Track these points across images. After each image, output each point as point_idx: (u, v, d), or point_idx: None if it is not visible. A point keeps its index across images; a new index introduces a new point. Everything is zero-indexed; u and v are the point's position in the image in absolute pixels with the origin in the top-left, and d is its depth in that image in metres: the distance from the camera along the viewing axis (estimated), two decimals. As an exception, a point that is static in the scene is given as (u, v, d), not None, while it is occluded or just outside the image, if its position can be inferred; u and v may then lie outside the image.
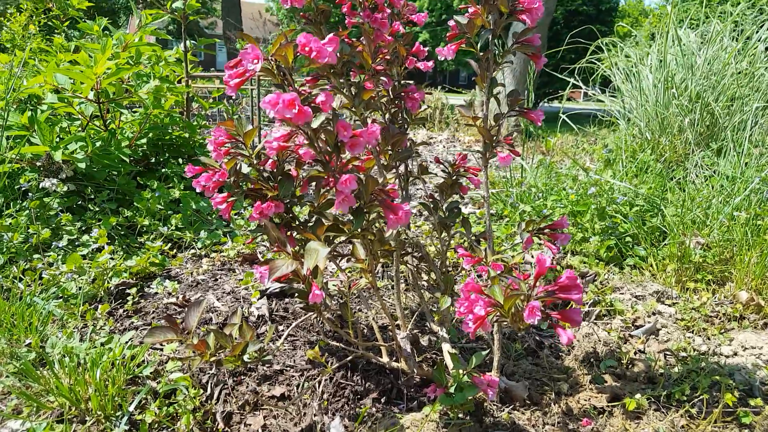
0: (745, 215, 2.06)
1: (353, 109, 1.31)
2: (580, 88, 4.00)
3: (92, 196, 2.37)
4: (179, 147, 3.02)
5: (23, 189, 2.25)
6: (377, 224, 1.16)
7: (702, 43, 3.07)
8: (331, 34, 0.97)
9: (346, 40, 1.46)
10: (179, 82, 3.24)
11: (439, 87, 8.90)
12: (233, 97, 7.10)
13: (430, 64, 1.69)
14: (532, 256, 2.14)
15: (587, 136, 5.22)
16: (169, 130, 2.97)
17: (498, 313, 0.88)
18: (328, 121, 1.00)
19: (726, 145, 2.54)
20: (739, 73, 2.79)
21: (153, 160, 2.92)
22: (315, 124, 0.94)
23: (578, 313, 0.84)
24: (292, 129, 1.03)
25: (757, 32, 2.95)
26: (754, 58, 2.80)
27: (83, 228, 2.16)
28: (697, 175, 2.51)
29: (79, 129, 2.75)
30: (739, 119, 2.65)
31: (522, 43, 1.26)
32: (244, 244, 2.26)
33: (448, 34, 1.29)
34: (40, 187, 2.22)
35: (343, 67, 1.31)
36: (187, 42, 3.32)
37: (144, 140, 2.83)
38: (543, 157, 2.97)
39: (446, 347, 1.32)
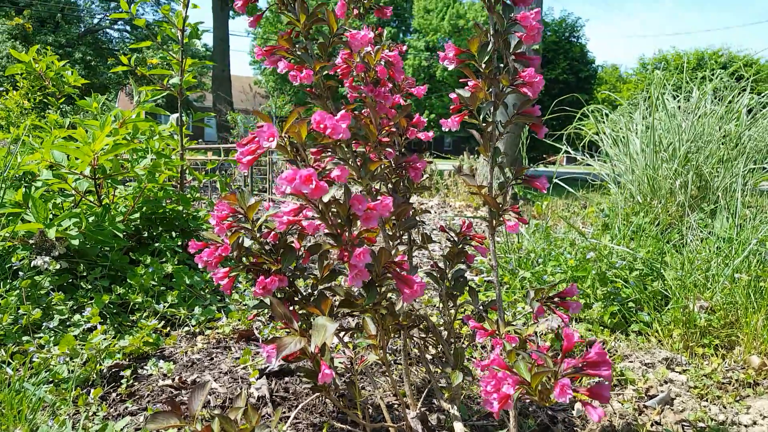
0: (746, 277, 2.06)
1: (359, 179, 1.31)
2: (568, 152, 4.10)
3: (84, 273, 2.32)
4: (172, 220, 3.00)
5: (15, 268, 2.19)
6: (388, 298, 1.13)
7: (685, 108, 3.18)
8: (343, 111, 0.98)
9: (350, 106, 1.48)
10: (173, 155, 3.27)
11: (427, 153, 9.08)
12: (226, 169, 7.18)
13: (431, 134, 1.72)
14: (537, 325, 2.10)
15: (578, 199, 5.29)
16: (163, 204, 2.96)
17: (523, 391, 0.84)
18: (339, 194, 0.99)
19: (718, 206, 2.58)
20: (725, 136, 2.88)
21: (146, 235, 2.89)
22: (327, 198, 0.94)
23: (607, 388, 0.81)
24: (302, 203, 1.02)
25: (740, 95, 3.07)
26: (738, 121, 2.90)
27: (75, 307, 2.10)
28: (692, 238, 2.53)
29: (73, 205, 2.73)
30: (729, 181, 2.70)
31: (523, 114, 1.29)
32: (240, 320, 2.20)
33: (451, 107, 1.31)
34: (32, 265, 2.17)
35: (350, 139, 1.33)
36: (183, 116, 3.37)
37: (137, 214, 2.81)
38: (538, 222, 2.98)
39: (458, 427, 1.25)
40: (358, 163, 1.34)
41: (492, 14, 1.23)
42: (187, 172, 3.35)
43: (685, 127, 2.87)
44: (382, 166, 1.47)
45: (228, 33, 17.91)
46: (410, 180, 1.52)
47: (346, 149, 1.32)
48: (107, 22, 29.93)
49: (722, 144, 2.83)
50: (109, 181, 2.66)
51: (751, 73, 3.41)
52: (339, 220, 1.00)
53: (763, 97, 3.26)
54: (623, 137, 3.23)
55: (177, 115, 3.34)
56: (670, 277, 2.21)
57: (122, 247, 2.65)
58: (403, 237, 1.50)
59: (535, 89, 1.20)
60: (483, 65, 1.25)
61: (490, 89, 1.26)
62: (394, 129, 1.41)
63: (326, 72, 1.31)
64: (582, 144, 3.70)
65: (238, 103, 18.75)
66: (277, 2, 1.30)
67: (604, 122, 3.51)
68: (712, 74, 3.49)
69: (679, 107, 3.19)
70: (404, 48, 1.73)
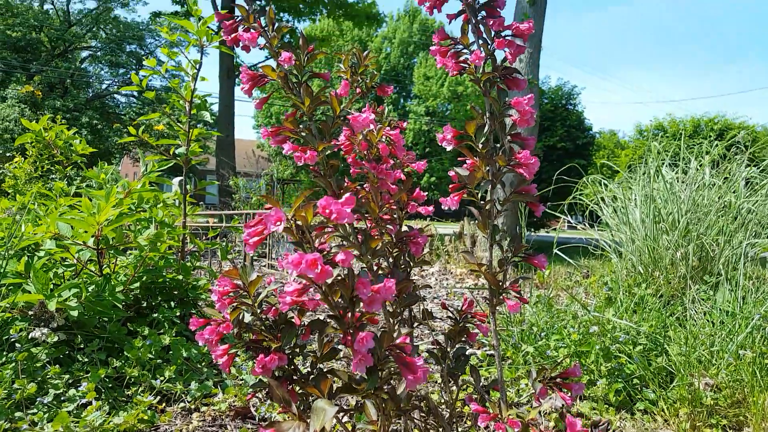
0: (751, 354, 2.03)
1: (361, 257, 1.33)
2: (568, 221, 4.13)
3: (81, 345, 2.29)
4: (172, 289, 2.99)
5: (12, 340, 2.17)
6: (389, 382, 1.12)
7: (683, 179, 3.24)
8: (348, 194, 1.00)
9: (353, 185, 1.52)
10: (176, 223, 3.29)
11: (427, 219, 9.13)
12: (226, 235, 7.21)
13: (431, 208, 1.75)
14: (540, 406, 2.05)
15: (579, 267, 5.28)
16: (163, 273, 2.96)
17: (527, 483, 0.81)
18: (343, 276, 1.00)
19: (721, 278, 2.57)
20: (725, 207, 2.92)
21: (144, 304, 2.87)
22: (330, 280, 0.94)
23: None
24: (305, 283, 1.02)
25: (738, 166, 3.13)
26: (737, 193, 2.94)
27: (71, 381, 2.06)
28: (695, 311, 2.51)
29: (74, 274, 2.73)
30: (730, 252, 2.71)
31: (520, 193, 1.32)
32: (236, 396, 2.15)
33: (450, 186, 1.34)
34: (30, 337, 2.15)
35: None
36: (187, 185, 3.42)
37: (137, 284, 2.81)
38: (540, 293, 2.97)
39: None
40: (360, 240, 1.35)
41: (487, 98, 1.28)
42: (188, 240, 3.37)
43: (684, 198, 2.92)
44: (384, 242, 1.49)
45: (233, 99, 18.45)
46: (411, 254, 1.53)
47: (347, 226, 1.34)
48: (115, 87, 30.95)
49: (722, 215, 2.86)
50: (112, 251, 2.67)
51: (748, 141, 3.50)
52: (342, 302, 1.01)
53: (760, 166, 3.32)
54: (622, 207, 3.27)
55: (180, 178, 3.40)
56: (674, 353, 2.17)
57: (120, 318, 2.63)
58: (404, 313, 1.50)
59: (531, 170, 1.23)
60: (480, 146, 1.29)
61: (488, 168, 1.30)
62: (395, 206, 1.43)
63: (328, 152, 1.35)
64: (584, 214, 3.75)
65: (241, 166, 19.06)
66: (283, 86, 1.36)
67: (603, 192, 3.57)
68: (710, 143, 3.57)
69: (678, 178, 3.25)
70: (404, 125, 1.79)
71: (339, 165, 1.37)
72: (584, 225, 3.98)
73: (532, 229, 10.94)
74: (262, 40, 1.38)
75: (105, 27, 31.34)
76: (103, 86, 30.87)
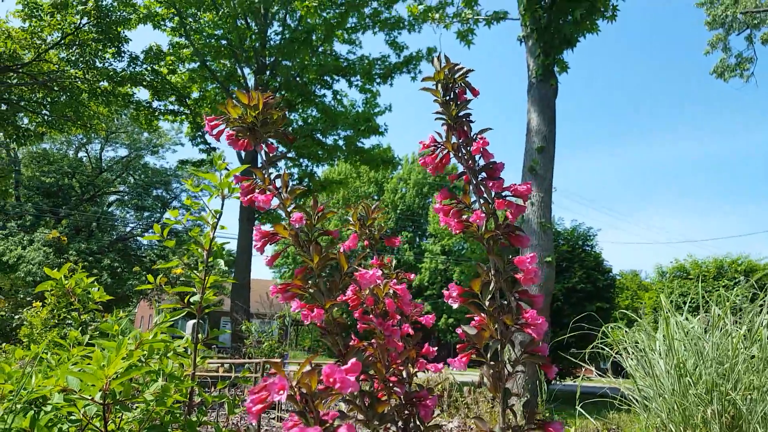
0: None
1: (367, 422, 1.27)
2: (590, 371, 3.95)
3: None
4: (176, 447, 2.84)
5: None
6: None
7: (705, 328, 3.14)
8: (353, 359, 0.99)
9: (359, 343, 1.49)
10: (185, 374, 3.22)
11: (443, 363, 8.77)
12: (235, 385, 6.99)
13: (441, 366, 1.70)
14: None
15: (607, 423, 4.95)
16: (168, 430, 2.83)
17: None
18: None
19: (760, 438, 2.38)
20: (752, 358, 2.79)
21: (146, 463, 2.72)
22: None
23: None
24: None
25: (759, 314, 3.04)
26: (762, 343, 2.83)
27: None
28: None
29: (78, 430, 2.63)
30: (762, 410, 2.54)
31: (530, 353, 1.28)
32: None
33: (458, 346, 1.32)
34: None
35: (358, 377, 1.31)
36: (199, 334, 3.40)
37: (140, 439, 2.68)
38: (565, 453, 2.75)
39: None
40: (366, 403, 1.31)
41: (491, 256, 1.30)
42: (197, 391, 3.27)
43: (707, 349, 2.81)
44: (392, 405, 1.43)
45: (251, 243, 18.95)
46: (421, 418, 1.46)
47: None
48: (139, 230, 32.11)
49: (750, 368, 2.73)
50: (118, 406, 2.60)
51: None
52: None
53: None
54: (645, 358, 3.14)
55: (194, 321, 3.37)
56: None
57: (118, 479, 2.48)
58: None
59: (539, 330, 1.21)
60: (486, 303, 1.29)
61: (496, 326, 1.28)
62: (401, 368, 1.39)
63: (336, 309, 1.35)
64: (606, 360, 3.60)
65: (256, 308, 18.99)
66: (293, 244, 1.40)
67: (625, 341, 3.45)
68: (734, 284, 3.50)
69: (703, 329, 3.15)
70: (412, 276, 1.80)
71: (346, 323, 1.37)
72: (610, 375, 3.80)
73: (557, 378, 10.44)
74: (276, 201, 1.46)
75: (134, 173, 33.48)
76: (128, 229, 32.18)
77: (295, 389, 0.92)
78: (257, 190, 1.46)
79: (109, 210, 33.64)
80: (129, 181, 34.05)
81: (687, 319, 3.45)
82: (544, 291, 6.77)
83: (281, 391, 0.88)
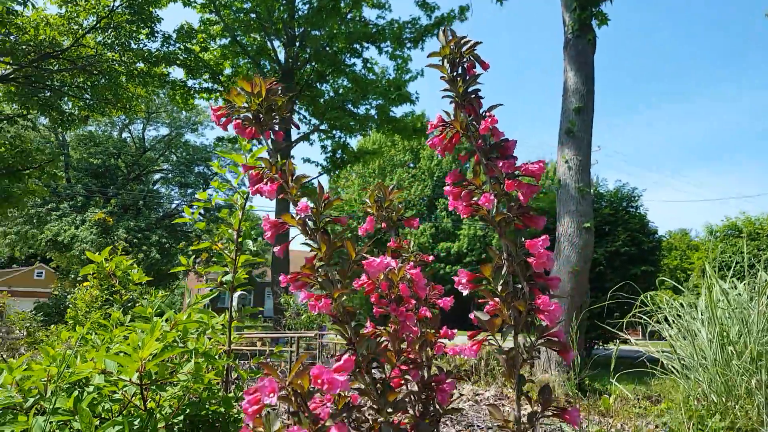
0: None
1: (378, 411, 1.26)
2: (626, 337, 3.85)
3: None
4: (213, 422, 2.93)
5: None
6: None
7: (751, 296, 2.99)
8: (346, 355, 0.97)
9: (372, 330, 1.47)
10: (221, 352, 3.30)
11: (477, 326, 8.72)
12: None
13: (459, 348, 1.67)
14: None
15: (649, 386, 4.85)
16: (206, 406, 2.92)
17: None
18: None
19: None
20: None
21: (187, 438, 2.82)
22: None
23: None
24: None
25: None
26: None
27: None
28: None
29: (121, 408, 2.74)
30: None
31: (547, 338, 1.23)
32: None
33: (469, 333, 1.28)
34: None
35: (368, 365, 1.30)
36: (233, 312, 3.46)
37: (181, 417, 2.78)
38: (600, 426, 2.71)
39: None
40: (378, 391, 1.29)
41: (502, 239, 1.25)
42: (234, 368, 3.35)
43: (753, 318, 2.68)
44: (408, 390, 1.41)
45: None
46: (439, 402, 1.44)
47: (366, 376, 1.29)
48: (183, 206, 33.06)
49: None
50: (154, 387, 2.69)
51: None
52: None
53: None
54: (687, 328, 3.03)
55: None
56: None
57: (162, 454, 2.58)
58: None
59: (552, 317, 1.16)
60: (499, 288, 1.24)
61: (509, 312, 1.24)
62: (412, 356, 1.37)
63: (345, 297, 1.33)
64: (647, 331, 3.49)
65: (295, 278, 19.43)
66: (302, 233, 1.38)
67: (666, 309, 3.34)
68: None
69: (749, 296, 3.01)
70: (430, 258, 1.76)
71: (356, 311, 1.35)
72: (648, 344, 3.70)
73: (599, 343, 10.27)
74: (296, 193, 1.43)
75: (176, 151, 34.31)
76: (173, 206, 33.15)
77: (289, 389, 0.91)
78: (265, 180, 1.44)
79: (155, 188, 34.66)
80: (171, 159, 34.92)
81: (734, 285, 3.31)
82: (583, 258, 6.60)
83: (271, 395, 0.87)
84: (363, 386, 1.28)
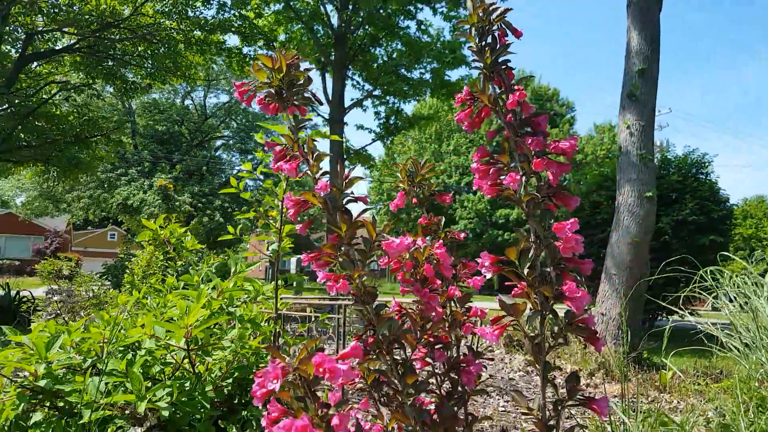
0: None
1: (398, 393, 1.24)
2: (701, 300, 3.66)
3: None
4: (261, 387, 3.03)
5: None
6: None
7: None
8: (353, 342, 0.95)
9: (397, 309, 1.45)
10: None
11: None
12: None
13: (488, 330, 1.62)
14: None
15: (711, 361, 4.65)
16: (254, 370, 3.02)
17: None
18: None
19: None
20: None
21: (236, 401, 2.93)
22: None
23: None
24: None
25: None
26: None
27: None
28: None
29: (173, 370, 2.87)
30: None
31: (573, 325, 1.17)
32: None
33: (492, 317, 1.23)
34: (120, 439, 2.25)
35: (389, 346, 1.28)
36: (279, 281, 3.53)
37: (230, 380, 2.88)
38: (656, 401, 2.61)
39: None
40: (400, 372, 1.27)
41: (530, 221, 1.18)
42: (281, 335, 3.44)
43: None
44: (433, 371, 1.39)
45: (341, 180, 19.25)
46: (464, 384, 1.41)
47: (387, 357, 1.27)
48: (244, 172, 34.00)
49: None
50: (200, 352, 2.79)
51: None
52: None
53: None
54: (752, 305, 2.85)
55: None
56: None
57: (212, 416, 2.69)
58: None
59: (578, 303, 1.09)
60: (525, 271, 1.18)
61: (536, 297, 1.18)
62: (432, 339, 1.33)
63: (365, 278, 1.31)
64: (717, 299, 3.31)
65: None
66: (324, 211, 1.36)
67: (726, 285, 3.14)
68: None
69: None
70: (462, 236, 1.70)
71: (376, 292, 1.32)
72: (707, 325, 3.51)
73: (662, 315, 9.90)
74: (304, 167, 1.40)
75: (236, 118, 35.05)
76: (234, 171, 34.09)
77: (296, 374, 0.90)
78: (288, 156, 1.41)
79: (217, 154, 35.68)
80: (232, 126, 35.75)
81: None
82: (644, 229, 6.30)
83: (275, 380, 0.86)
84: (384, 367, 1.27)
